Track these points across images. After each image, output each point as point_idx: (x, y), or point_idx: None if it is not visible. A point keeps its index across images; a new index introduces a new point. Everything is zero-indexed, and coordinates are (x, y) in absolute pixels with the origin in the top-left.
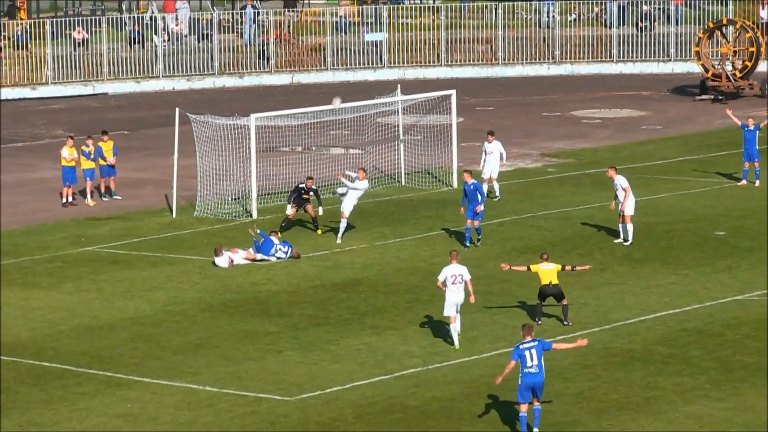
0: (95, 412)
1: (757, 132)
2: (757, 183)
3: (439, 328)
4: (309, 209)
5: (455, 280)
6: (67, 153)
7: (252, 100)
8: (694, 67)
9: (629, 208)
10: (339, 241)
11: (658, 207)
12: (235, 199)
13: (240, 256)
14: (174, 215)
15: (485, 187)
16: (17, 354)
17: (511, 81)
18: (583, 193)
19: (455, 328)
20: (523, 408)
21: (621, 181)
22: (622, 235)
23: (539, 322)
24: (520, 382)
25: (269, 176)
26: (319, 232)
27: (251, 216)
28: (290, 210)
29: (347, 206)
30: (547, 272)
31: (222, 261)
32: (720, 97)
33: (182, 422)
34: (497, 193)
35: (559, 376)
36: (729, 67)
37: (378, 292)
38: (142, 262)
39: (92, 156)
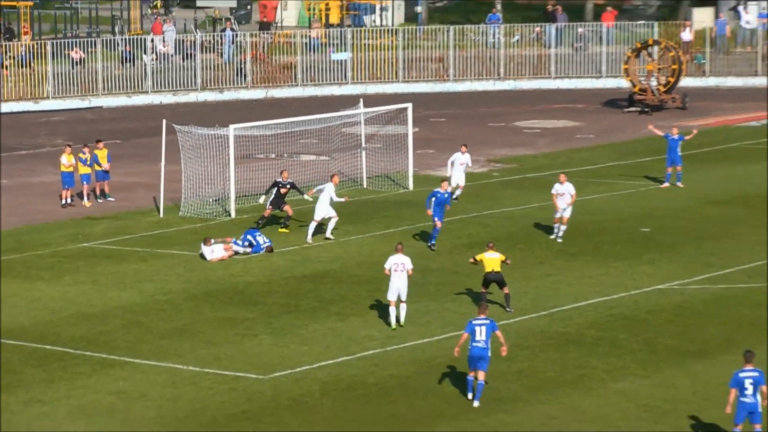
0: (91, 389)
1: (681, 141)
2: (680, 184)
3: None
4: (287, 209)
5: (397, 268)
6: (66, 160)
7: (231, 113)
8: (623, 83)
9: (569, 212)
10: (309, 240)
11: (591, 207)
12: (215, 200)
13: (220, 248)
14: (161, 215)
15: (556, 229)
16: (22, 339)
17: (461, 95)
18: (525, 195)
19: (393, 311)
20: (471, 373)
21: (570, 188)
22: (556, 232)
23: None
24: (468, 354)
25: (246, 180)
26: (287, 231)
27: (230, 215)
28: (267, 210)
29: (319, 210)
30: (491, 260)
31: (208, 252)
32: (646, 109)
33: (168, 398)
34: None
35: (507, 357)
36: (654, 83)
37: (342, 282)
38: (133, 256)
39: (88, 162)
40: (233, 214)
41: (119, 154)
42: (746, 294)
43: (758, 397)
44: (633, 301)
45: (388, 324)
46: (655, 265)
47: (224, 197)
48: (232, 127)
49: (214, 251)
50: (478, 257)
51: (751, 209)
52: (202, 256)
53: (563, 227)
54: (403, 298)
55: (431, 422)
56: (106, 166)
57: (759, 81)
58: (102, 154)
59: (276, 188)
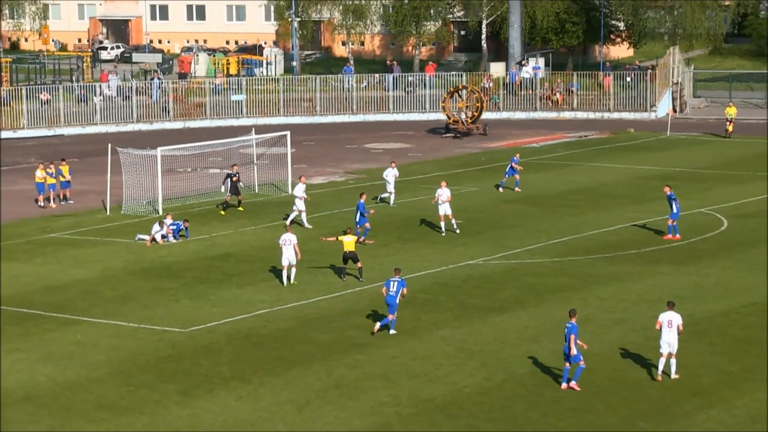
0: (57, 341)
1: (516, 161)
2: (517, 189)
3: (281, 286)
4: (239, 196)
5: (285, 243)
6: (39, 173)
7: (158, 139)
8: (441, 116)
9: (449, 209)
10: (287, 223)
11: (420, 205)
12: (147, 202)
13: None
14: (108, 213)
15: (443, 225)
16: (4, 305)
17: (325, 125)
18: (372, 196)
19: (285, 273)
20: (389, 316)
21: (447, 192)
22: (446, 227)
23: (344, 279)
24: (385, 301)
25: (170, 188)
26: (241, 208)
27: (158, 212)
28: (227, 197)
29: (299, 202)
30: (348, 243)
31: (156, 228)
32: (458, 135)
33: (114, 346)
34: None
35: (361, 313)
36: (463, 116)
37: (241, 261)
38: (87, 243)
39: (54, 175)
40: (161, 212)
41: (77, 169)
42: (531, 267)
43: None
44: (451, 273)
45: (281, 282)
46: (466, 247)
47: (154, 200)
48: (159, 149)
49: (162, 229)
50: (339, 238)
51: (533, 206)
52: (153, 238)
53: (453, 221)
54: (293, 263)
55: (306, 362)
56: (67, 177)
57: (538, 114)
58: (65, 169)
59: (229, 179)
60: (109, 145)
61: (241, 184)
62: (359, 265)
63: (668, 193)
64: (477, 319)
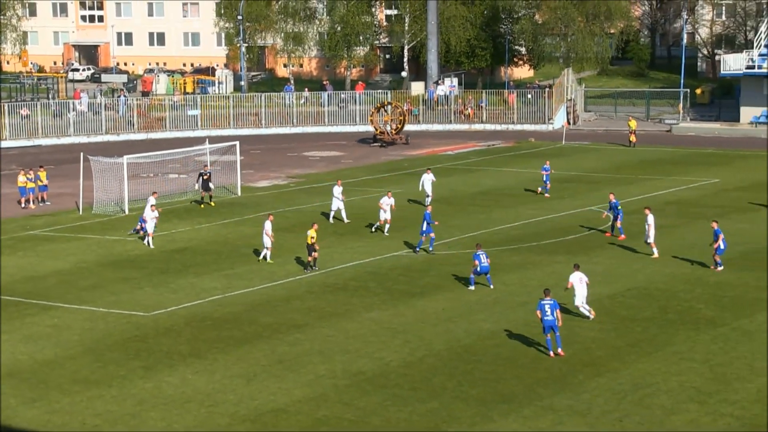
0: (36, 324)
1: (548, 169)
2: (546, 195)
3: (231, 275)
4: (210, 192)
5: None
6: (21, 178)
7: (124, 148)
8: (370, 128)
9: (390, 215)
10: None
11: (353, 205)
12: (115, 203)
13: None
14: (81, 213)
15: (386, 229)
16: None
17: (270, 136)
18: (311, 197)
19: (263, 252)
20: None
21: (391, 201)
22: (380, 228)
23: (308, 271)
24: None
25: (135, 191)
26: (212, 203)
27: (125, 212)
28: (202, 193)
29: (335, 203)
30: (308, 236)
31: (148, 213)
32: (384, 144)
33: (86, 329)
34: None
35: (300, 298)
36: (389, 128)
37: (197, 254)
38: (62, 239)
39: (33, 179)
40: (127, 212)
41: (53, 174)
42: (447, 258)
43: (555, 315)
44: (378, 263)
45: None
46: (392, 240)
47: (121, 201)
48: (125, 157)
49: (153, 213)
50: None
51: (448, 205)
52: (142, 222)
53: (388, 225)
54: (269, 245)
55: (253, 341)
56: (45, 182)
57: (452, 126)
58: (43, 174)
59: (201, 177)
60: (82, 154)
61: (211, 184)
62: (315, 255)
63: (613, 200)
64: (401, 302)
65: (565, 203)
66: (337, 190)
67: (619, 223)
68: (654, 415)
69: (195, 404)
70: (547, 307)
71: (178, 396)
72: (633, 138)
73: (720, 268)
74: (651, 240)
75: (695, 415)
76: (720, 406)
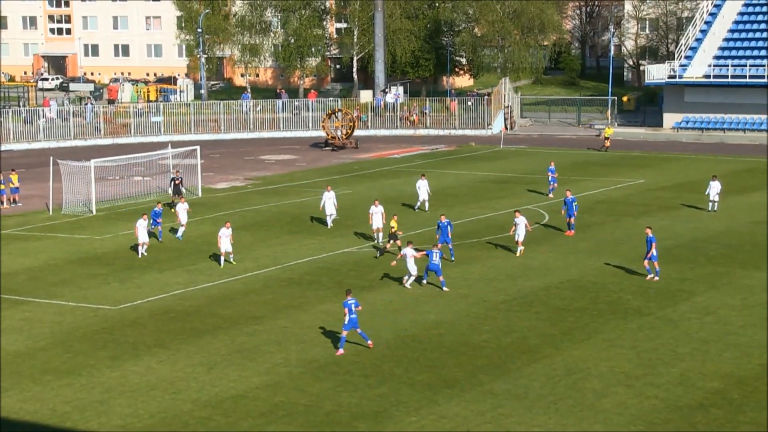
0: (8, 318)
1: (553, 171)
2: (550, 195)
3: (193, 271)
4: (181, 197)
5: (224, 234)
6: None
7: (91, 152)
8: (322, 133)
9: (381, 222)
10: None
11: (307, 204)
12: (83, 204)
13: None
14: (50, 213)
15: (379, 236)
16: None
17: (228, 141)
18: (266, 197)
19: (223, 258)
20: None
21: (381, 209)
22: (378, 242)
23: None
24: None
25: (102, 192)
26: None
27: (92, 213)
28: (173, 197)
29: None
30: (390, 227)
31: (141, 224)
32: (335, 148)
33: (56, 322)
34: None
35: (257, 292)
36: (339, 133)
37: (161, 251)
38: (33, 238)
39: (5, 182)
40: (94, 212)
41: (25, 177)
42: (394, 253)
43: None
44: (330, 259)
45: (220, 264)
46: (343, 238)
47: (89, 202)
48: (92, 161)
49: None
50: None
51: (395, 204)
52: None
53: (380, 234)
54: (230, 250)
55: (214, 332)
56: (16, 184)
57: (399, 131)
58: (14, 177)
59: (173, 182)
60: (51, 158)
61: (182, 187)
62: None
63: (569, 197)
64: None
65: (503, 202)
66: (328, 195)
67: (572, 220)
68: (586, 398)
69: (159, 391)
70: (352, 306)
71: (144, 384)
72: (607, 144)
73: (657, 278)
74: (520, 239)
75: (624, 398)
76: (646, 388)
